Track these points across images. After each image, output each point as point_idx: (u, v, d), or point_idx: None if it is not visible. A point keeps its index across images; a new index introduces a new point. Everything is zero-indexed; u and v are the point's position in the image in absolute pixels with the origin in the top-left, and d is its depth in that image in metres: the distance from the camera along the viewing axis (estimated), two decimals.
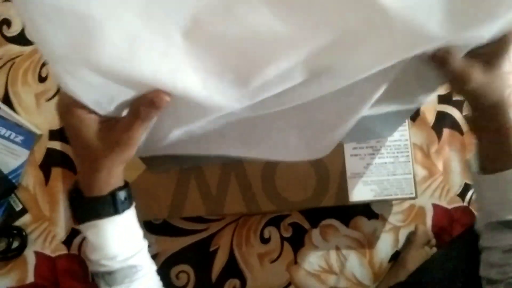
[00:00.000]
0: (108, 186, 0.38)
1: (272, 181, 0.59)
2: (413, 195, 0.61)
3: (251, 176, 0.58)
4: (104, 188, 0.38)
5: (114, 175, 0.38)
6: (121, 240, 0.39)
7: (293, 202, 0.59)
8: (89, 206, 0.38)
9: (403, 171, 0.61)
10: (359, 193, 0.60)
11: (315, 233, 0.65)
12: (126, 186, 0.39)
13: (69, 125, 0.34)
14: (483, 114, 0.40)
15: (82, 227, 0.38)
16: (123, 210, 0.38)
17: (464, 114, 0.67)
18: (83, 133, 0.34)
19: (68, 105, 0.33)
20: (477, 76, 0.37)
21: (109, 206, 0.38)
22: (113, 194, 0.38)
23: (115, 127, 0.34)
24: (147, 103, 0.32)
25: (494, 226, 0.44)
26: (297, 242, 0.64)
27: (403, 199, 0.63)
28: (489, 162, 0.43)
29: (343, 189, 0.60)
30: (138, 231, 0.41)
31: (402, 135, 0.62)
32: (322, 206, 0.60)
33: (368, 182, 0.61)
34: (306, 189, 0.60)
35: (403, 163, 0.61)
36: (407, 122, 0.62)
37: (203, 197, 0.58)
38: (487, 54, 0.37)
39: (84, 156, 0.36)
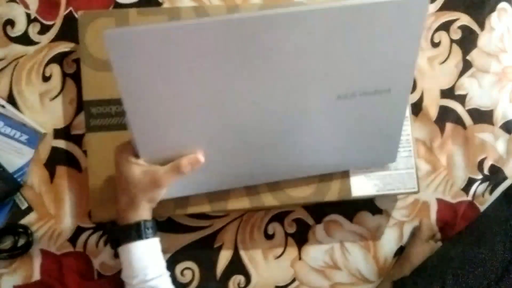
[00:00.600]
0: (137, 217, 0.49)
1: None
2: (416, 190, 0.61)
3: None
4: (133, 217, 0.49)
5: (143, 209, 0.50)
6: (143, 262, 0.49)
7: (296, 198, 0.60)
8: (121, 232, 0.50)
9: (405, 166, 0.62)
10: (362, 188, 0.61)
11: (319, 229, 0.65)
12: (152, 220, 0.51)
13: (121, 164, 0.49)
14: None
15: (118, 250, 0.51)
16: (147, 237, 0.49)
17: None
18: (130, 172, 0.48)
19: (126, 151, 0.49)
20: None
21: (136, 232, 0.49)
22: (139, 223, 0.49)
23: (155, 173, 0.48)
24: (187, 163, 0.48)
25: None
26: (301, 238, 0.64)
27: (406, 194, 0.63)
28: None
29: (346, 184, 0.60)
30: (160, 259, 0.51)
31: (405, 130, 0.62)
32: (325, 201, 0.60)
33: (371, 177, 0.61)
34: (309, 185, 0.60)
35: (405, 158, 0.62)
36: (409, 117, 0.62)
37: (207, 194, 0.58)
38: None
39: (125, 190, 0.49)
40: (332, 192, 0.60)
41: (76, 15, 0.63)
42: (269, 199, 0.59)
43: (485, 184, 0.68)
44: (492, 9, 0.71)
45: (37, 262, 0.60)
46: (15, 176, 0.61)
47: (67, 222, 0.61)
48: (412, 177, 0.61)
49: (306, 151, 0.55)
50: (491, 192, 0.68)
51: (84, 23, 0.59)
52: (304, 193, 0.60)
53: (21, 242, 0.60)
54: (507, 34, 0.71)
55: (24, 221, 0.61)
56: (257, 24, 0.42)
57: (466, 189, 0.68)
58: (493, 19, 0.71)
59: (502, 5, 0.71)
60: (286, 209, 0.64)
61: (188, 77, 0.44)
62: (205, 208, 0.59)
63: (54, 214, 0.61)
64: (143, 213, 0.50)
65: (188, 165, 0.48)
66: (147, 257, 0.50)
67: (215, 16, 0.54)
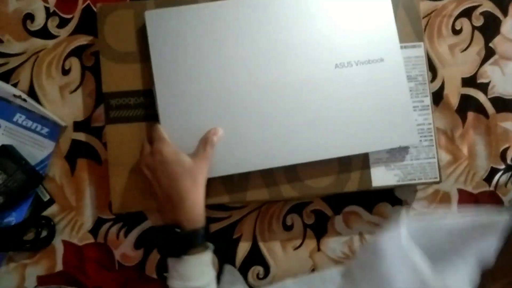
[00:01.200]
0: (203, 214, 0.51)
1: (294, 167, 0.58)
2: (437, 179, 0.60)
3: None
4: (202, 216, 0.51)
5: (204, 199, 0.52)
6: (212, 271, 0.51)
7: (315, 188, 0.59)
8: (187, 239, 0.50)
9: (426, 156, 0.61)
10: (383, 178, 0.60)
11: (338, 220, 0.64)
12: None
13: (169, 154, 0.51)
14: None
15: (172, 260, 0.50)
16: (208, 248, 0.52)
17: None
18: (182, 157, 0.51)
19: (163, 140, 0.53)
20: None
21: (203, 239, 0.51)
22: (205, 228, 0.51)
23: (196, 152, 0.53)
24: (211, 134, 0.54)
25: None
26: (320, 229, 0.64)
27: (427, 184, 0.62)
28: None
29: (366, 175, 0.60)
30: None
31: (426, 118, 0.61)
32: (344, 191, 0.60)
33: (391, 167, 0.60)
34: (328, 175, 0.59)
35: (426, 147, 0.61)
36: (430, 106, 0.61)
37: (225, 185, 0.58)
38: None
39: (187, 179, 0.51)
40: (352, 183, 0.59)
41: (94, 8, 0.64)
42: (288, 190, 0.59)
43: (508, 174, 0.67)
44: None
45: (59, 253, 0.61)
46: (37, 168, 0.62)
47: (88, 214, 0.62)
48: (434, 167, 0.60)
49: (319, 129, 0.57)
50: None
51: (103, 15, 0.59)
52: (323, 184, 0.60)
53: (44, 233, 0.61)
54: None
55: (46, 213, 0.62)
56: (262, 2, 0.57)
57: (488, 179, 0.66)
58: None
59: None
60: (305, 200, 0.64)
61: (209, 52, 0.56)
62: (224, 199, 0.59)
63: (75, 206, 0.62)
64: (203, 203, 0.52)
65: (213, 135, 0.54)
66: (207, 268, 0.52)
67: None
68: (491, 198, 0.66)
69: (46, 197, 0.62)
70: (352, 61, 0.58)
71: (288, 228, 0.64)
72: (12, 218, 0.61)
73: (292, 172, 0.59)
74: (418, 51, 0.62)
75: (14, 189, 0.60)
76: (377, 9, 0.59)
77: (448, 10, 0.68)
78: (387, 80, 0.58)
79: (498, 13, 0.68)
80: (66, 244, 0.62)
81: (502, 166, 0.67)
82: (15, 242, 0.61)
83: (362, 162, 0.60)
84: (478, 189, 0.66)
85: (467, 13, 0.68)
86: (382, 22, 0.59)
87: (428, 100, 0.61)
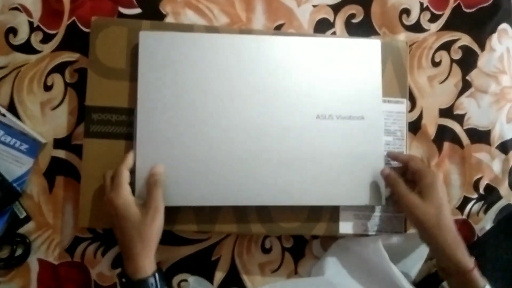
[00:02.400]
0: (151, 264, 0.50)
1: (266, 206, 0.60)
2: (402, 232, 0.62)
3: None
4: (149, 266, 0.50)
5: (153, 250, 0.51)
6: None
7: (284, 229, 0.61)
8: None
9: (394, 209, 0.63)
10: (350, 226, 0.62)
11: (316, 244, 0.65)
12: (159, 269, 0.51)
13: (118, 208, 0.51)
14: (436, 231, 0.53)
15: None
16: None
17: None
18: (130, 211, 0.51)
19: (117, 189, 0.52)
20: (415, 201, 0.54)
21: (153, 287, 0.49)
22: (154, 275, 0.49)
23: (145, 202, 0.52)
24: (152, 175, 0.54)
25: None
26: (298, 252, 0.65)
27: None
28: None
29: (335, 221, 0.61)
30: None
31: None
32: (312, 234, 0.61)
33: (360, 217, 0.62)
34: (298, 218, 0.61)
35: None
36: (404, 152, 0.64)
37: (196, 214, 0.59)
38: (420, 189, 0.55)
39: (134, 234, 0.50)
40: (320, 227, 0.61)
41: (79, 25, 0.63)
42: (257, 227, 0.60)
43: (480, 203, 0.69)
44: (493, 30, 0.71)
45: (34, 271, 0.61)
46: (14, 184, 0.60)
47: (65, 232, 0.61)
48: (401, 221, 0.62)
49: (292, 176, 0.58)
50: (485, 211, 0.69)
51: (97, 28, 0.59)
52: (292, 225, 0.61)
53: (19, 251, 0.60)
54: (506, 55, 0.72)
55: (22, 230, 0.61)
56: (255, 43, 0.59)
57: (461, 207, 0.69)
58: (494, 40, 0.71)
59: (503, 26, 0.72)
60: (274, 235, 0.65)
61: (196, 83, 0.57)
62: (192, 228, 0.59)
63: (52, 224, 0.61)
64: (153, 259, 0.51)
65: (153, 176, 0.54)
66: None
67: (224, 34, 0.61)
68: (464, 226, 0.68)
69: (23, 214, 0.61)
70: (333, 114, 0.59)
71: (266, 251, 0.65)
72: None
73: (264, 211, 0.60)
74: (400, 107, 0.64)
75: None
76: (367, 66, 0.61)
77: (429, 43, 0.70)
78: (365, 138, 0.59)
79: (475, 47, 0.71)
80: (42, 262, 0.61)
81: (475, 196, 0.69)
82: None
83: (332, 208, 0.61)
84: (452, 217, 0.68)
85: (446, 46, 0.70)
86: (369, 81, 0.60)
87: (404, 149, 0.64)
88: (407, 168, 0.58)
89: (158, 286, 0.49)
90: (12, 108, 0.62)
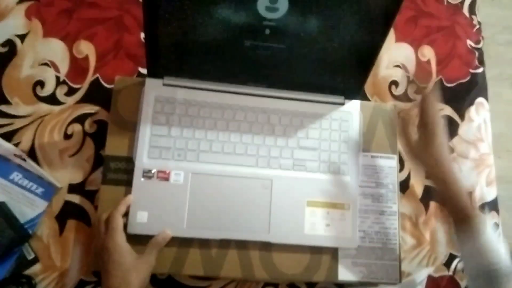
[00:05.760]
0: None
1: (269, 251, 0.64)
2: (397, 281, 0.66)
3: (250, 245, 0.64)
4: None
5: None
6: None
7: (286, 274, 0.64)
8: None
9: (390, 257, 0.68)
10: (348, 272, 0.65)
11: None
12: None
13: (113, 253, 0.55)
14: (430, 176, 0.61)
15: None
16: None
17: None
18: (125, 258, 0.56)
19: (115, 235, 0.57)
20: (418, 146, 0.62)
21: None
22: None
23: (141, 255, 0.57)
24: (160, 238, 0.60)
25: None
26: None
27: (387, 284, 0.67)
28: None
29: (334, 268, 0.65)
30: None
31: (392, 223, 0.69)
32: (313, 281, 0.64)
33: (357, 264, 0.66)
34: (299, 263, 0.64)
35: (390, 250, 0.67)
36: (397, 212, 0.69)
37: (203, 258, 0.62)
38: (424, 135, 0.61)
39: (122, 281, 0.54)
40: (320, 273, 0.65)
41: (102, 81, 0.70)
42: (260, 272, 0.63)
43: None
44: (471, 103, 0.80)
45: None
46: (25, 226, 0.63)
47: (71, 275, 0.63)
48: (396, 269, 0.67)
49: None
50: None
51: (119, 86, 0.66)
52: (294, 271, 0.64)
53: None
54: (483, 125, 0.80)
55: (29, 271, 0.63)
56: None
57: (447, 264, 0.73)
58: (472, 111, 0.80)
59: (480, 100, 0.81)
60: (276, 282, 0.68)
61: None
62: (199, 272, 0.62)
63: (58, 266, 0.63)
64: None
65: (163, 239, 0.60)
66: None
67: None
68: (450, 283, 0.72)
69: (31, 256, 0.63)
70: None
71: None
72: None
73: (267, 256, 0.64)
74: (391, 162, 0.71)
75: (1, 245, 0.61)
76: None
77: (416, 111, 0.78)
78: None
79: (456, 117, 0.79)
80: None
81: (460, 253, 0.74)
82: None
83: (331, 255, 0.65)
84: (438, 273, 0.72)
85: None
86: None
87: (396, 207, 0.69)
88: None
89: None
90: (32, 153, 0.66)
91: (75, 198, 0.66)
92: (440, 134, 0.60)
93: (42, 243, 0.64)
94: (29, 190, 0.65)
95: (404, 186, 0.74)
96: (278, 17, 0.55)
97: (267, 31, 0.57)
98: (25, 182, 0.65)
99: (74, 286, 0.63)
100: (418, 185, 0.75)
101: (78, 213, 0.65)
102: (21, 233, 0.63)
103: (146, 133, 0.64)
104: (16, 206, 0.64)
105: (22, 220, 0.63)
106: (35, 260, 0.63)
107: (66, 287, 0.63)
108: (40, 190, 0.65)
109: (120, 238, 0.56)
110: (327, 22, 0.56)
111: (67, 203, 0.65)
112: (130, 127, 0.64)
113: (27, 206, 0.64)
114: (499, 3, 1.77)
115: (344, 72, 0.65)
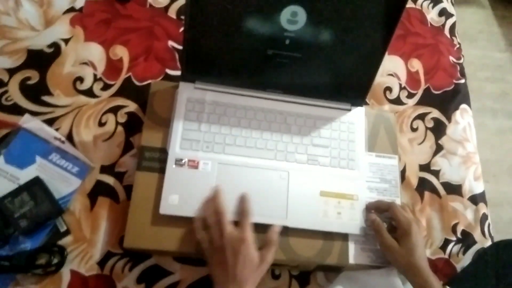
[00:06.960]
0: None
1: (286, 235, 0.70)
2: None
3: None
4: None
5: None
6: None
7: (302, 256, 0.69)
8: None
9: None
10: (358, 257, 0.71)
11: (320, 274, 0.74)
12: None
13: (245, 255, 0.60)
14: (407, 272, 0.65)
15: None
16: None
17: None
18: (252, 255, 0.61)
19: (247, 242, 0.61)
20: (392, 244, 0.66)
21: None
22: None
23: (263, 255, 0.62)
24: (271, 237, 0.64)
25: None
26: (304, 280, 0.73)
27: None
28: None
29: (345, 252, 0.71)
30: None
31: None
32: (325, 264, 0.70)
33: (366, 249, 0.72)
34: (313, 247, 0.70)
35: None
36: (399, 197, 0.76)
37: None
38: (398, 237, 0.67)
39: (252, 272, 0.60)
40: (332, 257, 0.70)
41: (133, 79, 0.80)
42: (278, 254, 0.68)
43: (458, 245, 0.80)
44: (456, 107, 0.91)
45: (65, 281, 0.66)
46: (60, 202, 0.70)
47: (99, 247, 0.69)
48: None
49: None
50: (464, 252, 0.80)
51: (155, 88, 0.75)
52: (308, 254, 0.69)
53: (55, 261, 0.67)
54: (468, 127, 0.90)
55: (61, 242, 0.68)
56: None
57: (443, 248, 0.79)
58: (457, 115, 0.90)
59: (463, 106, 0.92)
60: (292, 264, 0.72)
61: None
62: None
63: (88, 238, 0.69)
64: None
65: (275, 233, 0.65)
66: None
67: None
68: (446, 265, 0.78)
69: (63, 228, 0.69)
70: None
71: (276, 277, 0.72)
72: (27, 245, 0.67)
73: (285, 240, 0.69)
74: (393, 161, 0.78)
75: (38, 217, 0.67)
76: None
77: (408, 113, 0.88)
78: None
79: (444, 119, 0.90)
80: (73, 273, 0.67)
81: (454, 238, 0.80)
82: (26, 266, 0.65)
83: (342, 240, 0.71)
84: (435, 256, 0.78)
85: (421, 117, 0.89)
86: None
87: (398, 200, 0.76)
88: None
89: None
90: (69, 138, 0.74)
91: (106, 178, 0.73)
92: (413, 233, 0.65)
93: (74, 217, 0.70)
94: (65, 169, 0.72)
95: (402, 177, 0.82)
96: (297, 29, 0.65)
97: (287, 41, 0.66)
98: (62, 162, 0.72)
99: (101, 256, 0.68)
100: (413, 177, 0.83)
101: (108, 191, 0.72)
102: (55, 208, 0.69)
103: (179, 127, 0.71)
104: (53, 183, 0.70)
105: (57, 196, 0.70)
106: (67, 232, 0.69)
107: (94, 257, 0.68)
108: (75, 169, 0.72)
109: (251, 239, 0.62)
110: (338, 35, 0.66)
111: (98, 182, 0.72)
112: (164, 123, 0.72)
113: (62, 184, 0.71)
114: (477, 45, 1.96)
115: (351, 82, 0.74)
